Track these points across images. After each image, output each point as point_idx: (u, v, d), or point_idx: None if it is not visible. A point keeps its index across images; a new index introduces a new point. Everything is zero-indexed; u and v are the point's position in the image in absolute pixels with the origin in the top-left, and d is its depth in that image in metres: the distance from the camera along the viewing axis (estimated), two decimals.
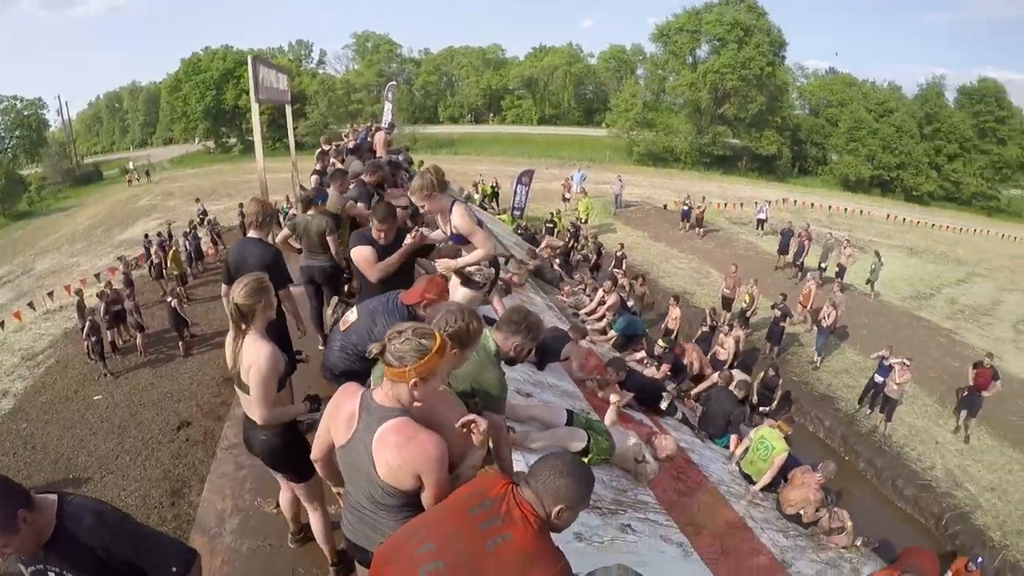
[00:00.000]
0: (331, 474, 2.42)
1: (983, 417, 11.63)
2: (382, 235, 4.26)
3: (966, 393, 11.52)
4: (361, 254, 4.24)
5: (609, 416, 5.89)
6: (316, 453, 2.37)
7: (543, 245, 16.70)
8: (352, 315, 3.25)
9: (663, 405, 7.86)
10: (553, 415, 4.78)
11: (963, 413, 11.57)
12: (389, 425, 1.96)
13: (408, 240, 4.18)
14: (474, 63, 64.32)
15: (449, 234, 4.10)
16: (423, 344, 1.94)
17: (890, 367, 11.23)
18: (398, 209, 4.92)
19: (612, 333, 10.80)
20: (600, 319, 11.49)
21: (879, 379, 11.49)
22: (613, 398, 5.98)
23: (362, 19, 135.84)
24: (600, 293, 11.89)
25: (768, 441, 7.38)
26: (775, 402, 10.95)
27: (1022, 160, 47.46)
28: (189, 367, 10.89)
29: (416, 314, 3.10)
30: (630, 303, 12.87)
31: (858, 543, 7.33)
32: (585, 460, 4.44)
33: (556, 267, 14.41)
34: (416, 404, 2.00)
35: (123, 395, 10.10)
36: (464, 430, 2.10)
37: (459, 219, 3.96)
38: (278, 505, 3.59)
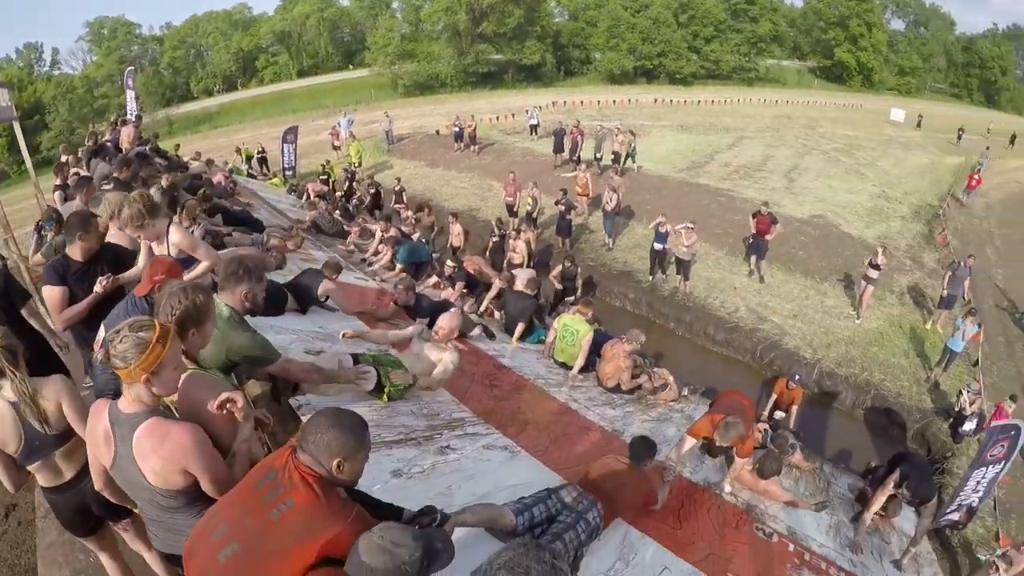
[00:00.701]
0: (122, 497, 2.39)
1: (771, 258, 13.21)
2: (90, 246, 4.03)
3: (751, 240, 13.07)
4: (50, 296, 3.95)
5: (383, 337, 5.88)
6: (98, 483, 2.38)
7: (309, 192, 15.90)
8: (102, 333, 3.12)
9: None
10: (338, 363, 4.68)
11: (753, 258, 13.18)
12: (140, 430, 1.99)
13: (98, 288, 3.98)
14: (221, 28, 63.27)
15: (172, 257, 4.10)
16: (141, 337, 1.95)
17: (666, 233, 12.29)
18: None
19: (400, 266, 10.57)
20: (384, 256, 11.16)
21: (659, 246, 12.66)
22: (347, 332, 5.63)
23: (94, 4, 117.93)
24: (379, 232, 11.56)
25: (571, 326, 7.73)
26: (578, 290, 11.48)
27: (774, 33, 56.84)
28: None
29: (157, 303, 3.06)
30: (416, 235, 12.70)
31: (685, 392, 8.03)
32: (385, 395, 4.58)
33: (336, 216, 13.78)
34: (173, 398, 2.11)
35: None
36: (222, 411, 2.13)
37: (177, 237, 4.05)
38: None
